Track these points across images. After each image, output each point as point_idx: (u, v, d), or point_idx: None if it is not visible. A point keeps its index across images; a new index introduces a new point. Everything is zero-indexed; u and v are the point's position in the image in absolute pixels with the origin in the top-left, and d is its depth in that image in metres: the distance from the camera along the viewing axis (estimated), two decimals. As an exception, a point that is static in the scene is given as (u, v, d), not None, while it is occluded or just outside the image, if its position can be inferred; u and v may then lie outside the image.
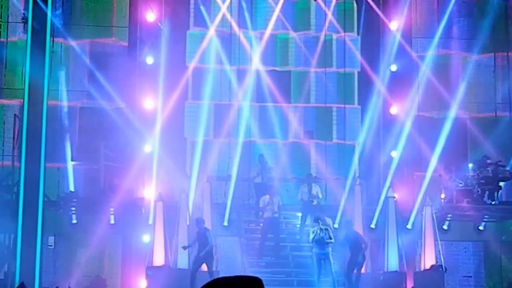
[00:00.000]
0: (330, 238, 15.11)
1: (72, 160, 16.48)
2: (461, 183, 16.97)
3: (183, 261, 15.54)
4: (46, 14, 16.00)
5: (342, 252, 16.16)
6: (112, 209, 16.40)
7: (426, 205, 16.57)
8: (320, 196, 16.91)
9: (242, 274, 15.93)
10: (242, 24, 18.28)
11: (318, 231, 14.94)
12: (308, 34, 18.90)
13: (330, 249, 15.12)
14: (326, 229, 15.09)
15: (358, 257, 15.14)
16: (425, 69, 17.92)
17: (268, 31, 18.38)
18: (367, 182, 17.36)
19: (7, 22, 17.51)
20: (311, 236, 15.06)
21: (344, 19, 18.48)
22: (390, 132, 17.57)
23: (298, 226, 17.21)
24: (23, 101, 15.81)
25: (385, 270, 15.95)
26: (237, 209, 16.77)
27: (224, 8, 18.10)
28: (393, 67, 17.77)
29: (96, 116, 16.89)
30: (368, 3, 18.10)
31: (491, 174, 16.64)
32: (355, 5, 18.66)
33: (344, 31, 18.43)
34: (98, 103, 17.09)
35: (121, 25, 17.66)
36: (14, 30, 17.41)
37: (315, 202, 16.75)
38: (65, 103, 17.11)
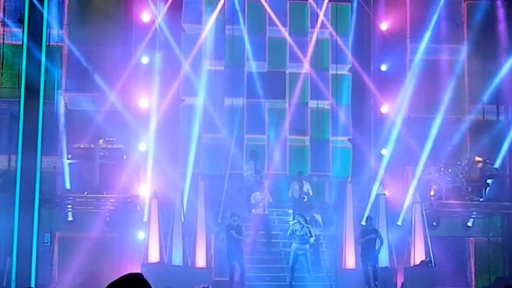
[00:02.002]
0: (311, 236, 15.41)
1: (68, 158, 16.66)
2: (450, 181, 17.28)
3: (177, 258, 15.79)
4: (42, 15, 16.18)
5: (334, 248, 16.52)
6: (107, 207, 16.61)
7: (416, 202, 16.89)
8: (311, 193, 17.19)
9: (236, 270, 16.01)
10: (236, 24, 18.47)
11: (299, 228, 15.23)
12: (302, 35, 19.11)
13: (308, 246, 15.39)
14: (308, 227, 15.38)
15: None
16: (415, 69, 18.19)
17: (262, 31, 18.58)
18: (358, 180, 17.64)
19: (4, 22, 17.67)
20: (289, 232, 15.41)
21: (336, 19, 18.71)
22: (380, 130, 17.84)
23: (290, 222, 17.48)
24: (20, 100, 16.00)
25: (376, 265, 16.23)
26: (231, 206, 17.01)
27: (218, 8, 18.27)
28: (384, 67, 18.04)
29: (92, 114, 17.06)
30: (359, 3, 18.33)
31: (479, 172, 16.97)
32: (347, 5, 18.89)
33: (336, 32, 18.66)
34: (93, 102, 17.27)
35: (116, 25, 17.81)
36: (11, 29, 17.57)
37: (305, 199, 17.05)
38: (61, 102, 17.29)
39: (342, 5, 18.83)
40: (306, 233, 15.30)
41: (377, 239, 15.79)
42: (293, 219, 15.61)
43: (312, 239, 15.40)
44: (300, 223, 15.31)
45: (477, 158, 17.25)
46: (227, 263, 15.46)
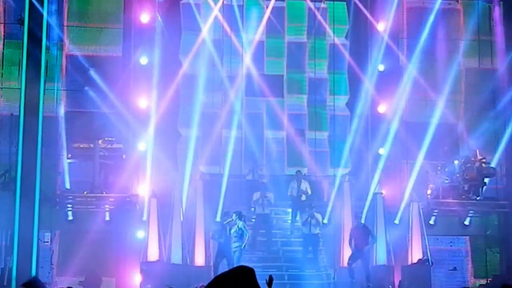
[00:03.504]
0: (246, 235, 15.51)
1: (68, 158, 16.77)
2: (447, 180, 17.41)
3: (176, 256, 15.93)
4: (42, 15, 16.28)
5: (332, 247, 16.66)
6: (107, 206, 16.73)
7: (413, 201, 17.02)
8: (309, 192, 17.32)
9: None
10: (234, 26, 18.57)
11: (238, 227, 15.35)
12: (299, 36, 19.22)
13: (241, 244, 15.39)
14: (244, 226, 15.47)
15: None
16: (412, 69, 18.31)
17: (259, 33, 18.69)
18: (356, 179, 17.77)
19: (4, 22, 17.78)
20: (230, 229, 15.52)
21: (333, 20, 18.82)
22: (377, 130, 17.95)
23: (289, 221, 17.63)
24: (20, 100, 16.10)
25: (374, 264, 16.36)
26: (230, 205, 17.13)
27: (216, 10, 18.36)
28: (381, 67, 18.15)
29: (91, 114, 17.16)
30: (356, 4, 18.45)
31: (475, 171, 17.09)
32: (344, 6, 19.02)
33: (334, 32, 18.77)
34: (93, 102, 17.37)
35: (116, 25, 17.92)
36: (11, 30, 17.69)
37: (303, 198, 17.18)
38: (61, 101, 17.40)
39: (339, 5, 18.93)
40: (237, 230, 15.39)
41: (370, 236, 15.88)
42: (236, 221, 15.64)
43: (246, 238, 15.47)
44: (235, 222, 15.45)
45: (474, 157, 17.37)
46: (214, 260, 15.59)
